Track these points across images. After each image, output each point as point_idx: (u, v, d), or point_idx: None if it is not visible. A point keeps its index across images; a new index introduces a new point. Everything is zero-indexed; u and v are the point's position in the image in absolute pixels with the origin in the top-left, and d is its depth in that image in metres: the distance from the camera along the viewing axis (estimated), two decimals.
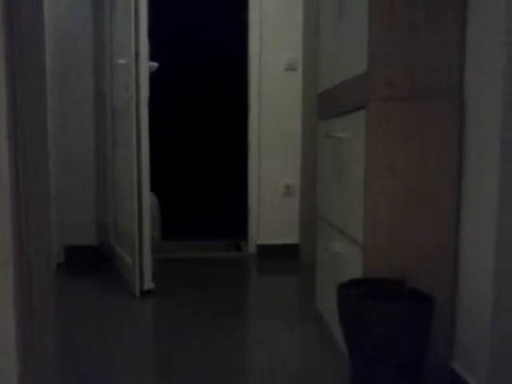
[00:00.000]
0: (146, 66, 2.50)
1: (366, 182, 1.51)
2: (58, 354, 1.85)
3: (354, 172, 1.65)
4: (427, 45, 1.50)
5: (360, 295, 1.43)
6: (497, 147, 1.31)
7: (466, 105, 1.49)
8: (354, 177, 1.64)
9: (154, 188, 3.56)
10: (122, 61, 2.61)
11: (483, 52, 1.40)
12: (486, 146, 1.38)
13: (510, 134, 1.25)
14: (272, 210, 3.44)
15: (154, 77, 2.71)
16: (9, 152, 0.89)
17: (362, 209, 1.54)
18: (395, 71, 1.50)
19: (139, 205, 2.53)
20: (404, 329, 1.33)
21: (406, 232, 1.53)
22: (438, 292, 1.54)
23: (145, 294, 2.56)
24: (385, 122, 1.50)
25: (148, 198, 2.55)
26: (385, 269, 1.54)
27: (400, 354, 1.35)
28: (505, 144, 1.25)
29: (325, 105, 2.09)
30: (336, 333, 1.90)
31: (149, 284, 2.58)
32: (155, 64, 2.59)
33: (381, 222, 1.52)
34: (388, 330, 1.33)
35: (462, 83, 1.51)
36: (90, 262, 3.24)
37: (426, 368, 1.56)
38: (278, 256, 3.40)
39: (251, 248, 3.50)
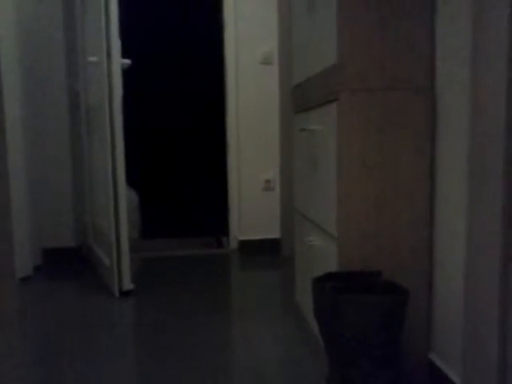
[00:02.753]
0: (119, 63, 2.46)
1: (338, 175, 1.50)
2: (38, 356, 1.82)
3: (327, 165, 1.64)
4: (396, 37, 1.49)
5: (335, 288, 1.42)
6: (467, 142, 1.30)
7: (438, 98, 1.49)
8: (327, 170, 1.63)
9: (132, 185, 3.53)
10: (93, 58, 2.57)
11: (451, 44, 1.40)
12: (457, 140, 1.38)
13: (479, 128, 1.25)
14: (253, 205, 3.43)
15: (129, 74, 2.67)
16: None
17: (335, 201, 1.53)
18: (365, 63, 1.49)
19: (115, 204, 2.50)
20: (379, 321, 1.32)
21: (380, 225, 1.52)
22: (413, 284, 1.54)
23: (124, 294, 2.53)
24: (356, 114, 1.49)
25: (124, 197, 2.52)
26: (360, 262, 1.53)
27: (376, 346, 1.34)
28: (474, 138, 1.25)
29: (299, 98, 2.07)
30: (314, 326, 1.89)
31: (128, 284, 2.55)
32: (128, 61, 2.55)
33: (354, 215, 1.51)
34: (363, 322, 1.32)
35: (433, 76, 1.51)
36: (69, 264, 3.20)
37: (404, 359, 1.57)
38: (260, 251, 3.39)
39: (233, 244, 3.49)
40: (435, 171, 1.51)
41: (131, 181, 4.13)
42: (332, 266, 1.60)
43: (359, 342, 1.34)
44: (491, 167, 1.11)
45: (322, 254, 1.76)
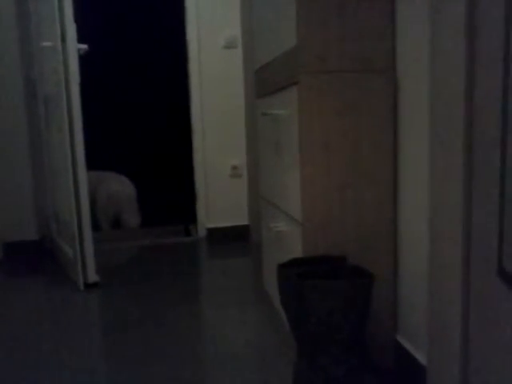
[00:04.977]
0: (75, 48, 2.37)
1: (301, 160, 1.48)
2: (1, 355, 1.76)
3: (289, 149, 1.61)
4: (356, 18, 1.46)
5: (299, 274, 1.40)
6: (427, 122, 1.29)
7: (399, 79, 1.47)
8: (290, 154, 1.60)
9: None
10: (47, 43, 2.47)
11: (412, 23, 1.38)
12: (419, 120, 1.37)
13: (439, 111, 1.24)
14: (220, 192, 3.39)
15: (88, 60, 2.58)
16: None
17: (298, 186, 1.51)
18: (325, 45, 1.45)
19: (76, 193, 2.42)
20: (344, 305, 1.31)
21: (344, 208, 1.51)
22: (379, 267, 1.53)
23: (89, 286, 2.47)
24: (317, 97, 1.46)
25: (85, 186, 2.44)
26: (325, 246, 1.52)
27: (342, 331, 1.33)
28: (434, 120, 1.24)
29: (261, 82, 2.03)
30: (282, 313, 1.88)
31: (93, 276, 2.49)
32: (84, 46, 2.46)
33: (317, 199, 1.49)
34: (328, 307, 1.31)
35: (394, 57, 1.49)
36: (32, 258, 3.11)
37: (372, 342, 1.57)
38: (229, 238, 3.36)
39: (201, 232, 3.45)
40: (398, 153, 1.50)
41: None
42: (297, 252, 1.58)
43: (325, 328, 1.33)
44: (452, 142, 1.10)
45: (287, 239, 1.74)
